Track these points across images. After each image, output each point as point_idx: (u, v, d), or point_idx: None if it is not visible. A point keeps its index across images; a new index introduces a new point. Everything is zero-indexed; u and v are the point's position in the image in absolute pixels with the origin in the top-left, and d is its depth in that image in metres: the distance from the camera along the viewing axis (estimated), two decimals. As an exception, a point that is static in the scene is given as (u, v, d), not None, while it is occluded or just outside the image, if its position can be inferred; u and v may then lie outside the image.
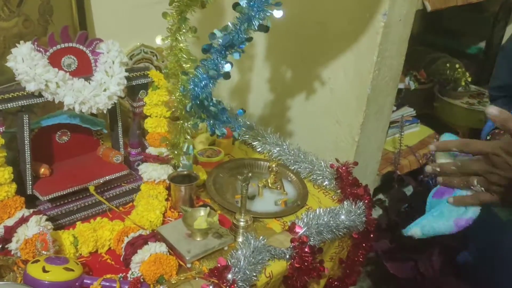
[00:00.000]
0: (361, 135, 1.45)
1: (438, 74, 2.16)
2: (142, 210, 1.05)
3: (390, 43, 1.34)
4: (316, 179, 1.28)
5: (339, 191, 1.24)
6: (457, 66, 2.11)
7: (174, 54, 0.93)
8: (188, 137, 1.09)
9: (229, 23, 0.87)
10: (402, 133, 1.73)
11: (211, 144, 1.42)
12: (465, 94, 2.15)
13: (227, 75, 0.98)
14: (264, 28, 0.89)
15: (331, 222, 1.08)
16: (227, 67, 0.95)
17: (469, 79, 2.10)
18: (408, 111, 2.01)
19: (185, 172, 1.15)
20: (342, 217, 1.10)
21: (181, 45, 0.98)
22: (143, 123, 1.16)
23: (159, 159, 1.14)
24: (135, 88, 1.08)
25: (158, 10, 1.50)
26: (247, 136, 1.46)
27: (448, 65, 2.12)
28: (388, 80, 1.43)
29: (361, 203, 1.15)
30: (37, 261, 0.84)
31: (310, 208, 1.19)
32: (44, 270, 0.81)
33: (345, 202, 1.15)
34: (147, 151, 1.16)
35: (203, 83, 0.94)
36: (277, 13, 0.87)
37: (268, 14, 0.87)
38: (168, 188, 1.15)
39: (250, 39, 0.92)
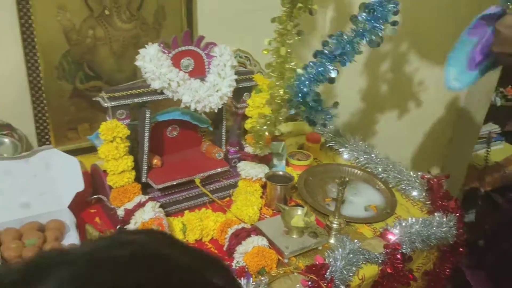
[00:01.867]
0: (449, 149, 1.45)
1: (527, 91, 2.09)
2: (241, 205, 1.11)
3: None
4: (404, 189, 1.30)
5: (428, 202, 1.24)
6: (548, 84, 2.04)
7: (280, 55, 0.98)
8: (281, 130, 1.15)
9: (343, 34, 0.92)
10: (489, 149, 1.69)
11: (300, 148, 1.47)
12: (555, 113, 2.07)
13: (332, 80, 1.04)
14: (375, 44, 0.92)
15: (424, 232, 1.09)
16: (333, 73, 1.00)
17: (561, 98, 2.02)
18: (493, 128, 1.97)
19: (281, 173, 1.21)
20: (434, 228, 1.11)
21: (288, 47, 1.03)
22: (242, 123, 1.23)
23: (258, 158, 1.20)
24: (240, 90, 1.15)
25: (254, 17, 1.60)
26: (333, 142, 1.50)
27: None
28: (481, 96, 1.42)
29: (452, 216, 1.16)
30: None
31: (399, 217, 1.20)
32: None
33: (436, 214, 1.16)
34: (245, 149, 1.23)
35: (308, 83, 1.00)
36: (391, 31, 0.91)
37: (381, 31, 0.90)
38: (263, 186, 1.21)
39: (360, 52, 0.96)
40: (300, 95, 1.00)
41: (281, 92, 1.03)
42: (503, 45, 0.91)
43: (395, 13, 0.91)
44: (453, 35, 1.31)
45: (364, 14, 0.88)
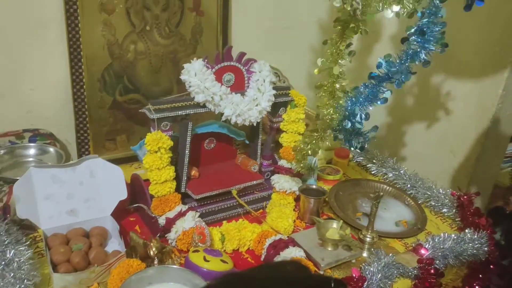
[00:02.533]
0: (476, 167, 1.47)
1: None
2: (276, 217, 1.14)
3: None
4: (434, 205, 1.31)
5: (458, 219, 1.26)
6: None
7: (331, 74, 1.01)
8: (319, 151, 1.17)
9: (392, 55, 0.95)
10: (514, 169, 1.71)
11: (328, 162, 1.50)
12: None
13: (385, 100, 1.07)
14: (428, 64, 0.95)
15: (457, 248, 1.11)
16: (387, 94, 1.04)
17: None
18: (515, 147, 1.97)
19: (314, 186, 1.23)
20: (466, 245, 1.13)
21: (339, 66, 1.06)
22: (277, 137, 1.26)
23: (291, 172, 1.23)
24: (277, 105, 1.19)
25: (283, 35, 1.64)
26: (361, 157, 1.52)
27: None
28: (510, 114, 1.44)
29: (483, 233, 1.17)
30: (197, 251, 0.95)
31: (429, 233, 1.22)
32: (205, 259, 0.92)
33: (467, 230, 1.17)
34: (279, 163, 1.26)
35: (359, 103, 1.04)
36: (442, 51, 0.94)
37: (432, 51, 0.94)
38: (296, 199, 1.23)
39: (414, 73, 0.99)
40: (350, 114, 1.02)
41: (331, 111, 1.05)
42: None
43: (443, 33, 0.94)
44: (486, 53, 1.35)
45: (415, 36, 0.92)
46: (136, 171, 1.23)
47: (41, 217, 0.99)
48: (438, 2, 0.87)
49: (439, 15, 0.89)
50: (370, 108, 1.03)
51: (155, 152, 1.02)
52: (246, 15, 1.50)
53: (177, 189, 1.10)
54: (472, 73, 1.41)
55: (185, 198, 1.13)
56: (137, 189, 1.13)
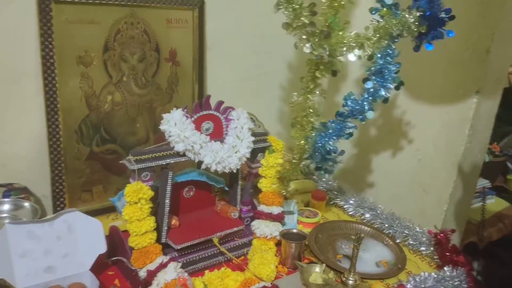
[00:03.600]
0: (449, 205, 1.51)
1: (511, 148, 2.21)
2: (258, 264, 1.13)
3: (480, 118, 1.43)
4: (412, 244, 1.34)
5: (436, 257, 1.28)
6: (530, 140, 2.16)
7: (303, 109, 1.05)
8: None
9: (353, 93, 1.01)
10: (485, 204, 1.76)
11: (306, 205, 1.51)
12: (540, 168, 2.17)
13: (350, 135, 1.12)
14: (387, 101, 1.01)
15: (437, 286, 1.12)
16: (352, 129, 1.08)
17: (544, 154, 2.13)
18: (483, 183, 2.05)
19: (294, 230, 1.24)
20: (447, 282, 1.14)
21: (310, 102, 1.10)
22: (255, 182, 1.27)
23: (272, 217, 1.23)
24: (255, 151, 1.21)
25: (257, 82, 1.69)
26: (338, 199, 1.55)
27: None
28: (477, 152, 1.50)
29: (461, 270, 1.19)
30: (181, 303, 0.93)
31: (410, 272, 1.23)
32: (190, 312, 0.90)
33: (446, 268, 1.20)
34: (259, 208, 1.26)
35: (327, 137, 1.08)
36: (397, 89, 1.00)
37: (390, 89, 1.00)
38: (277, 244, 1.23)
39: (373, 110, 1.04)
40: (319, 147, 1.07)
41: (302, 142, 1.09)
42: None
43: (397, 72, 1.01)
44: (452, 96, 1.42)
45: (374, 76, 0.98)
46: (114, 222, 1.21)
47: (17, 276, 0.95)
48: (393, 45, 0.93)
49: (395, 57, 0.96)
50: (338, 142, 1.09)
51: (135, 203, 1.01)
52: (221, 63, 1.54)
53: (158, 240, 1.08)
54: (440, 115, 1.47)
55: (165, 248, 1.11)
56: (116, 241, 1.11)
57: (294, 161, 1.08)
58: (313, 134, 1.05)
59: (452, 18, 0.93)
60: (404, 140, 1.58)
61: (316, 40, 0.83)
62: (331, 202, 1.56)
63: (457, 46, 1.36)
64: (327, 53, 0.86)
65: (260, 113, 1.66)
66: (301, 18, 0.81)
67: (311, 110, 1.02)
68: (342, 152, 1.15)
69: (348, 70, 1.70)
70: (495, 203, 2.09)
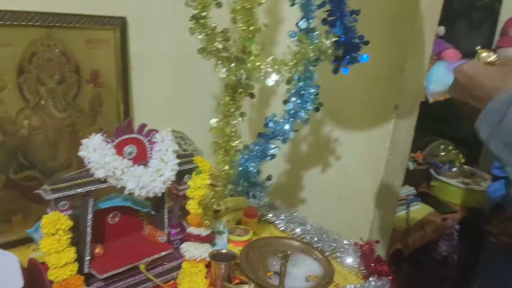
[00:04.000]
0: (374, 215, 1.57)
1: (434, 156, 2.34)
2: (187, 287, 1.12)
3: (400, 131, 1.50)
4: (340, 256, 1.38)
5: (362, 268, 1.33)
6: (450, 148, 2.30)
7: (225, 133, 1.06)
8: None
9: (276, 115, 1.03)
10: (409, 211, 1.85)
11: (238, 223, 1.51)
12: (459, 174, 2.32)
13: (273, 156, 1.13)
14: (307, 122, 1.04)
15: (363, 297, 1.16)
16: (274, 151, 1.10)
17: (463, 160, 2.28)
18: (408, 190, 2.15)
19: (224, 251, 1.24)
20: (371, 293, 1.19)
21: (231, 126, 1.10)
22: (183, 204, 1.26)
23: (201, 238, 1.23)
24: (181, 172, 1.20)
25: (186, 100, 1.68)
26: (270, 215, 1.56)
27: (442, 147, 2.31)
28: (398, 164, 1.58)
29: (385, 280, 1.24)
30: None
31: (337, 285, 1.27)
32: None
33: (371, 278, 1.24)
34: (188, 230, 1.25)
35: (252, 160, 1.09)
36: (317, 110, 1.04)
37: (309, 111, 1.03)
38: (207, 266, 1.22)
39: (296, 131, 1.07)
40: (243, 171, 1.07)
41: (226, 168, 1.09)
42: (458, 92, 0.88)
43: (317, 94, 1.04)
44: (372, 111, 1.48)
45: (294, 98, 1.01)
46: (35, 254, 1.15)
47: None
48: (312, 68, 0.96)
49: (314, 79, 0.99)
50: (260, 163, 1.10)
51: (52, 234, 0.96)
52: (147, 83, 1.51)
53: (80, 271, 1.04)
54: (363, 130, 1.53)
55: (89, 278, 1.07)
56: (35, 275, 1.05)
57: (217, 188, 1.08)
58: (237, 158, 1.05)
59: (366, 43, 0.98)
60: (331, 156, 1.63)
61: (232, 65, 0.84)
62: (263, 219, 1.58)
63: (374, 65, 1.42)
64: (244, 77, 0.88)
65: (192, 132, 1.65)
66: (215, 44, 0.82)
67: (233, 134, 1.02)
68: (270, 177, 1.17)
69: (268, 91, 1.74)
70: (420, 209, 2.21)
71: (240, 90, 0.92)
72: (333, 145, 1.62)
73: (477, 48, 0.96)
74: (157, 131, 1.14)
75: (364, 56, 0.98)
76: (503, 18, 2.38)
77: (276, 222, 1.54)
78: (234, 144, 0.99)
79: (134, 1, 1.41)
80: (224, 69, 0.86)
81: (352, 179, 1.58)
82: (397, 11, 1.37)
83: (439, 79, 0.99)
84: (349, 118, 1.56)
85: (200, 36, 0.84)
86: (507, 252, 1.45)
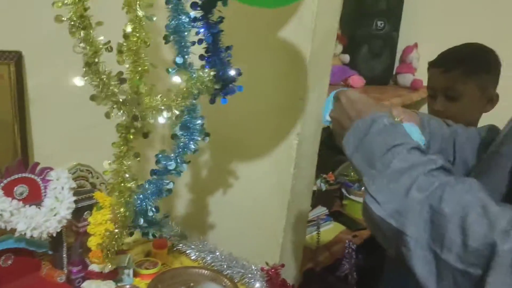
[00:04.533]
0: (284, 238, 1.63)
1: (344, 176, 2.47)
2: (87, 328, 1.09)
3: (304, 157, 1.58)
4: (248, 282, 1.41)
5: (269, 292, 1.37)
6: (359, 168, 2.44)
7: (119, 175, 1.05)
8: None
9: (165, 150, 1.05)
10: (319, 231, 1.93)
11: (147, 255, 1.50)
12: (368, 192, 2.45)
13: (169, 191, 1.15)
14: (196, 152, 1.08)
15: (267, 322, 1.20)
16: (170, 185, 1.12)
17: (370, 179, 2.42)
18: (321, 210, 2.25)
19: (127, 286, 1.22)
20: (276, 317, 1.22)
21: (125, 167, 1.10)
22: (84, 241, 1.23)
23: (103, 276, 1.20)
24: (80, 209, 1.17)
25: (93, 133, 1.65)
26: (181, 245, 1.57)
27: (352, 167, 2.44)
28: (304, 188, 1.65)
29: (291, 302, 1.29)
30: None
31: (246, 311, 1.30)
32: None
33: (277, 302, 1.28)
34: (89, 268, 1.22)
35: (148, 199, 1.09)
36: (206, 140, 1.07)
37: (198, 141, 1.07)
38: (110, 303, 1.20)
39: (188, 162, 1.10)
40: (140, 211, 1.07)
41: (122, 210, 1.09)
42: (338, 113, 0.96)
43: (202, 125, 1.08)
44: (277, 138, 1.55)
45: (182, 132, 1.04)
46: None
47: None
48: (194, 101, 1.01)
49: (197, 111, 1.04)
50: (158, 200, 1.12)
51: None
52: (48, 116, 1.47)
53: (-34, 321, 0.98)
54: (268, 157, 1.59)
55: (-22, 328, 1.01)
56: None
57: (116, 230, 1.06)
58: (132, 199, 1.05)
59: (240, 74, 1.05)
60: (240, 182, 1.67)
61: (127, 106, 0.86)
62: (174, 249, 1.57)
63: (275, 94, 1.50)
64: (139, 118, 0.89)
65: (99, 164, 1.61)
66: (110, 88, 0.83)
67: (127, 175, 1.03)
68: (166, 216, 1.18)
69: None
70: (333, 228, 2.30)
71: (133, 130, 0.93)
72: (241, 172, 1.66)
73: None
74: (51, 169, 1.12)
75: (240, 87, 1.06)
76: (401, 46, 2.58)
77: (187, 252, 1.54)
78: (128, 186, 0.99)
79: (30, 35, 1.38)
80: (120, 112, 0.87)
81: (262, 204, 1.63)
82: (293, 46, 1.46)
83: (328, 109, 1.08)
84: (257, 142, 1.61)
85: (93, 83, 0.84)
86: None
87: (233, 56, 1.07)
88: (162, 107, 0.90)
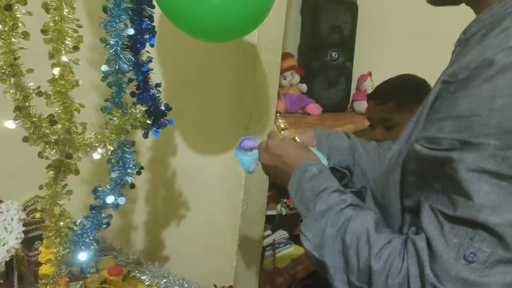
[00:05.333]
0: (238, 262, 1.70)
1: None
2: None
3: (253, 183, 1.67)
4: (200, 305, 1.47)
5: (219, 315, 1.43)
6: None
7: (53, 215, 1.06)
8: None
9: (100, 186, 1.12)
10: (275, 255, 2.01)
11: (103, 282, 1.55)
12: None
13: (108, 224, 1.19)
14: (132, 186, 1.15)
15: None
16: (108, 218, 1.17)
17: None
18: (281, 234, 2.33)
19: (79, 313, 1.28)
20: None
21: (59, 206, 1.10)
22: (37, 270, 1.29)
23: (54, 303, 1.26)
24: (31, 239, 1.24)
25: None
26: (136, 271, 1.63)
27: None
28: (256, 212, 1.74)
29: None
30: None
31: (194, 333, 1.35)
32: None
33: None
34: (41, 297, 1.27)
35: (85, 234, 1.13)
36: (138, 173, 1.15)
37: (133, 175, 1.14)
38: (61, 329, 1.25)
39: (124, 195, 1.16)
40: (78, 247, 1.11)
41: (60, 249, 1.11)
42: (274, 165, 1.07)
43: (135, 159, 1.16)
44: (227, 167, 1.64)
45: (116, 166, 1.11)
46: None
47: None
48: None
49: (131, 146, 1.11)
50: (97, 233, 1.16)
51: None
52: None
53: None
54: (221, 184, 1.68)
55: None
56: None
57: (50, 273, 1.09)
58: (68, 238, 1.08)
59: (169, 109, 1.14)
60: (196, 207, 1.76)
61: (59, 146, 0.92)
62: (131, 275, 1.63)
63: (224, 123, 1.61)
64: (72, 156, 0.95)
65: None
66: (42, 129, 0.89)
67: (61, 214, 1.07)
68: (99, 255, 1.22)
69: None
70: (294, 250, 2.38)
71: (64, 169, 0.99)
72: (197, 196, 1.74)
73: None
74: (1, 201, 1.19)
75: (171, 121, 1.15)
76: (356, 75, 2.72)
77: (142, 278, 1.60)
78: (63, 224, 1.03)
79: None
80: (53, 151, 0.93)
81: (217, 228, 1.71)
82: (238, 79, 1.57)
83: (246, 162, 1.18)
84: (210, 174, 1.70)
85: (26, 125, 0.90)
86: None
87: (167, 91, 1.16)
88: (96, 144, 0.97)
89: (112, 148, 0.98)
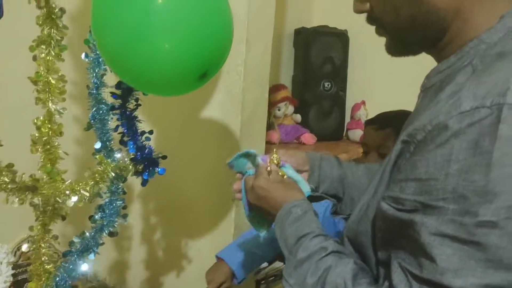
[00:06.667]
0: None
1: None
2: None
3: (243, 218, 1.68)
4: None
5: None
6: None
7: (38, 257, 1.12)
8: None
9: (86, 232, 1.13)
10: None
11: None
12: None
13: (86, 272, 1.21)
14: (113, 234, 1.16)
15: None
16: (83, 267, 1.18)
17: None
18: (279, 265, 2.32)
19: None
20: None
21: (43, 250, 1.15)
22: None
23: None
24: (19, 282, 1.26)
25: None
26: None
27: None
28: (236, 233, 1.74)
29: None
30: None
31: None
32: None
33: None
34: None
35: (65, 281, 1.15)
36: (123, 221, 1.16)
37: (116, 223, 1.15)
38: None
39: (102, 244, 1.18)
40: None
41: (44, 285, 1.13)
42: (261, 205, 1.04)
43: (124, 207, 1.17)
44: (218, 204, 1.66)
45: (100, 213, 1.13)
46: None
47: None
48: (118, 183, 1.10)
49: (119, 193, 1.12)
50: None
51: None
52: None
53: None
54: (211, 218, 1.70)
55: None
56: None
57: None
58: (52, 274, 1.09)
59: (164, 158, 1.16)
60: (185, 242, 1.78)
61: (25, 194, 0.95)
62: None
63: (212, 161, 1.64)
64: (41, 204, 0.98)
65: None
66: (1, 177, 0.91)
67: (46, 258, 1.09)
68: None
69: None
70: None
71: (49, 214, 1.01)
72: (187, 232, 1.77)
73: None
74: (-9, 245, 1.21)
75: (161, 169, 1.16)
76: (349, 104, 2.75)
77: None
78: (48, 267, 1.05)
79: None
80: (17, 199, 0.95)
81: (207, 263, 1.72)
82: (223, 118, 1.60)
83: None
84: (199, 209, 1.73)
85: None
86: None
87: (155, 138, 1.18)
88: (67, 192, 0.99)
89: (87, 195, 1.00)
